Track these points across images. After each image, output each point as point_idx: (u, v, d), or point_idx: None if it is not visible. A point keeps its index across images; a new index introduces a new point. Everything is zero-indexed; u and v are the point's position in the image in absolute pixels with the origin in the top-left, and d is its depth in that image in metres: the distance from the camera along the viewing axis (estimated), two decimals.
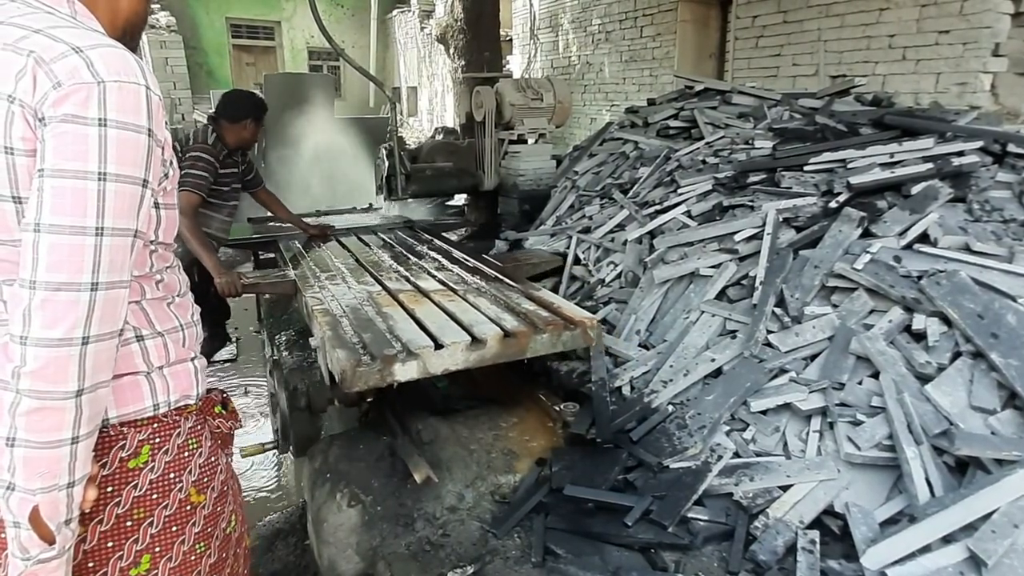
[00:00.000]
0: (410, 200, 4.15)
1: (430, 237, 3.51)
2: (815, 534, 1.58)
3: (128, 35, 1.02)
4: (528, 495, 1.84)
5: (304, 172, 7.96)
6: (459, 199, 5.52)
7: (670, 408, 2.04)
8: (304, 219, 3.71)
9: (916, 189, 2.33)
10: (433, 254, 3.06)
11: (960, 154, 2.44)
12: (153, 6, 12.48)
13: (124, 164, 0.83)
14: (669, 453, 1.87)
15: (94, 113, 0.80)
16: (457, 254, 3.01)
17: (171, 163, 0.98)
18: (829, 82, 5.13)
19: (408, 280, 2.60)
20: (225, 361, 4.41)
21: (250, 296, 3.37)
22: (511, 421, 2.20)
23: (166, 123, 0.93)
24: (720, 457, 1.82)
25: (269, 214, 3.75)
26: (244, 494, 3.13)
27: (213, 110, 3.14)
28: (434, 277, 2.64)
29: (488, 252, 3.50)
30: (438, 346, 1.89)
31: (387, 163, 3.95)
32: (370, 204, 4.84)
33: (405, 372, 1.83)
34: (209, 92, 11.93)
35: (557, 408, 2.14)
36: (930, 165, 2.40)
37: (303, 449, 2.28)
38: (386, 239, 3.52)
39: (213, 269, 2.86)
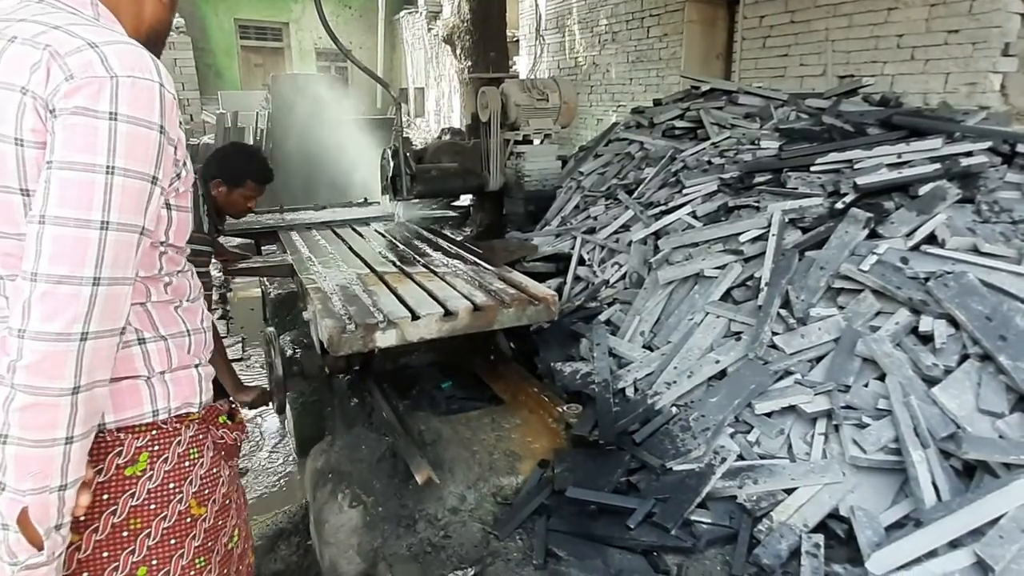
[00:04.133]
0: (415, 201, 4.15)
1: (417, 228, 3.72)
2: (819, 538, 1.56)
3: (152, 41, 1.00)
4: (530, 497, 1.83)
5: (311, 171, 8.00)
6: (465, 199, 5.52)
7: (674, 410, 2.03)
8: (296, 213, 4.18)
9: (924, 190, 2.30)
10: (418, 242, 3.26)
11: (969, 154, 2.41)
12: None
13: (133, 159, 0.82)
14: (672, 455, 1.86)
15: (105, 107, 0.79)
16: (442, 242, 3.21)
17: (184, 163, 0.95)
18: (837, 82, 5.09)
19: (394, 264, 2.81)
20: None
21: (257, 297, 3.51)
22: (514, 422, 2.20)
23: (180, 123, 0.92)
24: (724, 460, 1.80)
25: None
26: (248, 491, 3.15)
27: (202, 166, 2.45)
28: (418, 261, 2.83)
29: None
30: (415, 317, 2.08)
31: (392, 164, 3.95)
32: (365, 198, 4.92)
33: (385, 339, 2.04)
34: (218, 93, 12.04)
35: (560, 409, 2.14)
36: (938, 165, 2.38)
37: (306, 449, 2.29)
38: (378, 230, 3.74)
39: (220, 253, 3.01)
